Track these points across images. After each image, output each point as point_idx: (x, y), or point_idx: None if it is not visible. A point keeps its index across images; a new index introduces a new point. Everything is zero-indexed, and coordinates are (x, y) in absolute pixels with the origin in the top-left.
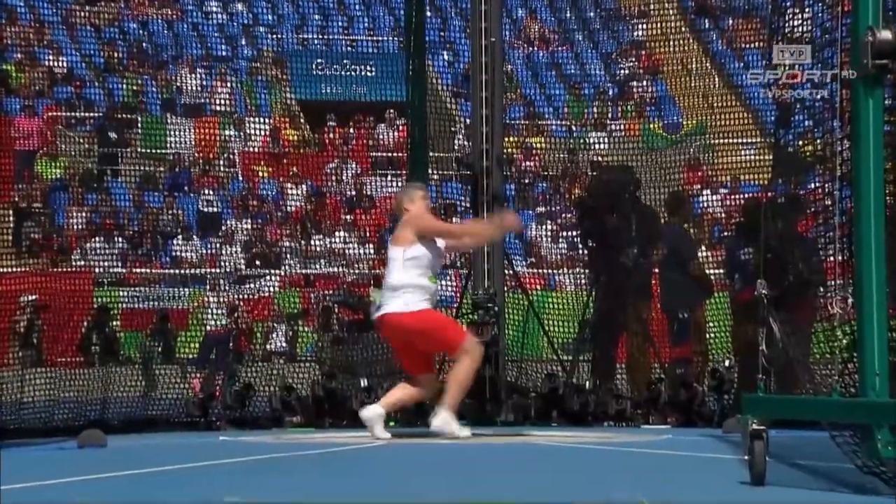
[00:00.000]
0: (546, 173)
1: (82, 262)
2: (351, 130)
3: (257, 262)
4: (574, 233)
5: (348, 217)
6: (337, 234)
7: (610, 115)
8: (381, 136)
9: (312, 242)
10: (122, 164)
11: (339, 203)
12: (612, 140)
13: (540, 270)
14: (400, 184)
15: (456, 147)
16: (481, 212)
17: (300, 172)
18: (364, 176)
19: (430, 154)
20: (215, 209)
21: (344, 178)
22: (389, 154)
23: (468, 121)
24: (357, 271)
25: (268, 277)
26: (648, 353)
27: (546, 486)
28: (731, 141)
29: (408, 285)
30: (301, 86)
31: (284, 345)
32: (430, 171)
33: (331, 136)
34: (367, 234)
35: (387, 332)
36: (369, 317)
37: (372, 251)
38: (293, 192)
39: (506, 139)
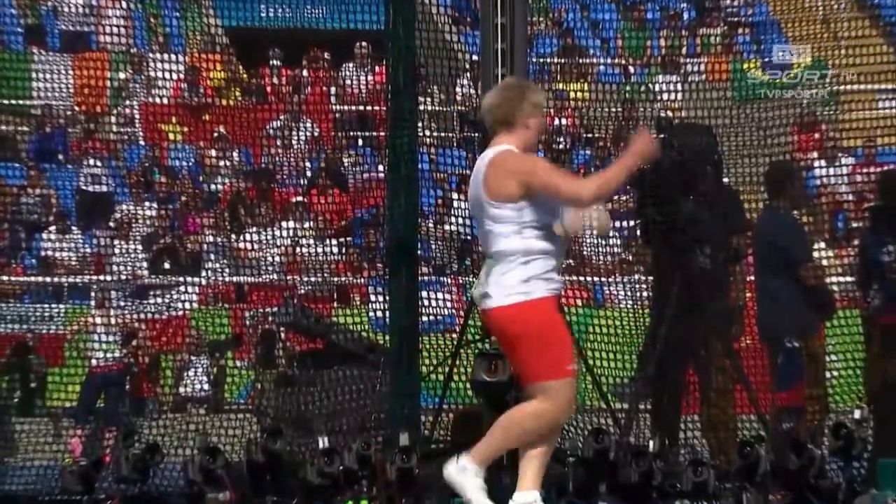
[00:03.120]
0: (590, 136)
1: None
2: (304, 73)
3: (166, 266)
4: (631, 223)
5: (301, 200)
6: (284, 225)
7: (685, 50)
8: (348, 82)
9: (247, 237)
10: None
11: (288, 180)
12: (688, 87)
13: (581, 278)
14: (375, 154)
15: (458, 97)
16: None
17: (229, 135)
18: (324, 140)
19: (422, 108)
20: (104, 188)
21: (294, 143)
22: (361, 108)
23: (476, 58)
24: (314, 279)
25: (182, 288)
26: (740, 400)
27: None
28: (863, 88)
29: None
30: (230, 7)
31: (206, 387)
32: (420, 132)
33: (274, 81)
34: (329, 226)
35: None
36: (333, 345)
37: (335, 250)
38: (219, 164)
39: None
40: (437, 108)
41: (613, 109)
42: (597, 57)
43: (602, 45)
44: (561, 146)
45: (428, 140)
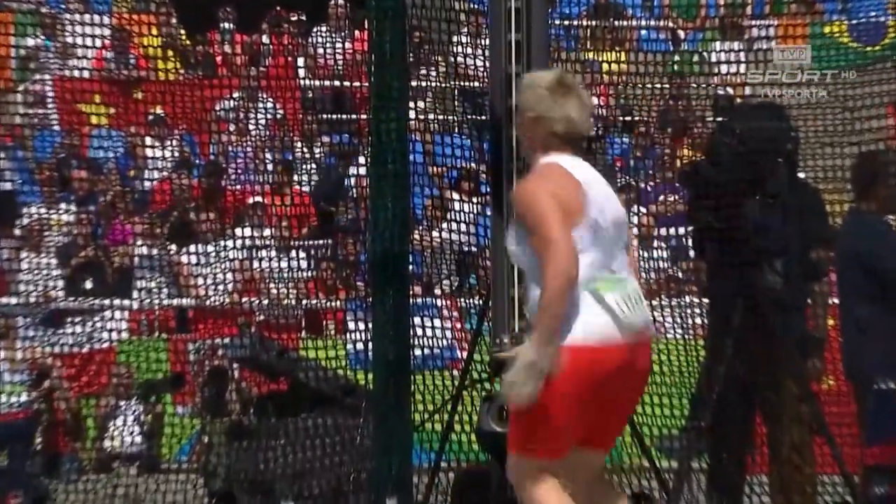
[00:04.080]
0: (628, 119)
1: None
2: (264, 39)
3: (87, 286)
4: (680, 231)
5: (259, 201)
6: (239, 233)
7: (750, 10)
8: (320, 50)
9: (191, 249)
10: None
11: (243, 176)
12: (754, 57)
13: None
14: (355, 141)
15: (459, 70)
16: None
17: (168, 118)
18: (290, 125)
19: (414, 84)
20: (6, 185)
21: (251, 128)
22: (336, 83)
23: (483, 23)
24: (276, 302)
25: (107, 314)
26: (820, 457)
27: None
28: None
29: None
30: None
31: (138, 441)
32: (413, 113)
33: (226, 49)
34: (294, 234)
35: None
36: (300, 386)
37: (304, 265)
38: (154, 155)
39: (554, 55)
40: (431, 85)
41: (658, 86)
42: (637, 18)
43: (644, 3)
44: (591, 134)
45: (420, 126)
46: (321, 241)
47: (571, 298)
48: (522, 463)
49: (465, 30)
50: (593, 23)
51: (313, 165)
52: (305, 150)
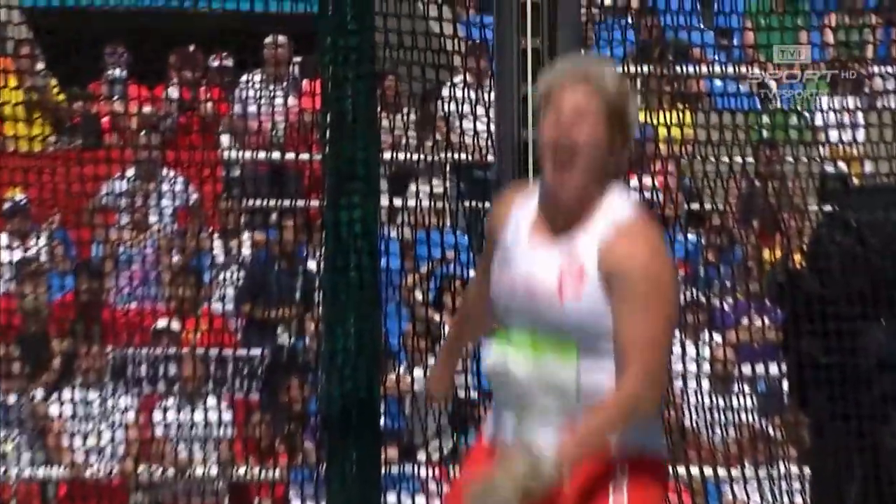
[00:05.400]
0: (696, 207)
1: None
2: (172, 93)
3: None
4: (772, 369)
5: (165, 326)
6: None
7: (872, 52)
8: (252, 108)
9: (62, 396)
10: None
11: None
12: (877, 119)
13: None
14: (305, 237)
15: (452, 134)
16: None
17: (32, 204)
18: (207, 214)
19: (387, 156)
20: None
21: (153, 220)
22: (275, 155)
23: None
24: (189, 472)
25: None
26: None
27: None
28: None
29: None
30: None
31: None
32: (385, 198)
33: (116, 106)
34: (212, 373)
35: None
36: None
37: (226, 417)
38: (12, 259)
39: None
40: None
41: (739, 159)
42: (709, 62)
43: (718, 41)
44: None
45: (398, 214)
46: (252, 381)
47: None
48: None
49: (460, 78)
50: (644, 69)
51: (240, 272)
52: (230, 249)
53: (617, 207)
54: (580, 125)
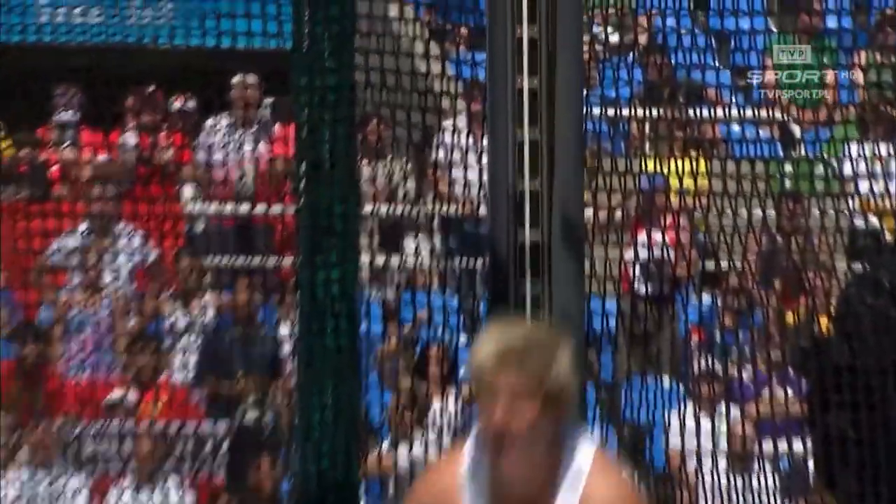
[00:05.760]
0: (711, 266)
1: None
2: (129, 138)
3: None
4: (797, 447)
5: (120, 397)
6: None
7: None
8: (217, 155)
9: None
10: None
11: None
12: None
13: None
14: (278, 299)
15: (440, 186)
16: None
17: None
18: (167, 273)
19: (369, 209)
20: None
21: (108, 280)
22: (243, 208)
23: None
24: None
25: None
26: None
27: None
28: None
29: None
30: None
31: None
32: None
33: (66, 153)
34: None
35: None
36: None
37: (188, 500)
38: None
39: (590, 163)
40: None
41: (760, 212)
42: (725, 104)
43: (735, 82)
44: (648, 290)
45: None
46: (216, 459)
47: None
48: None
49: (450, 122)
50: (653, 112)
51: (202, 338)
52: (191, 313)
53: (578, 473)
54: (516, 412)
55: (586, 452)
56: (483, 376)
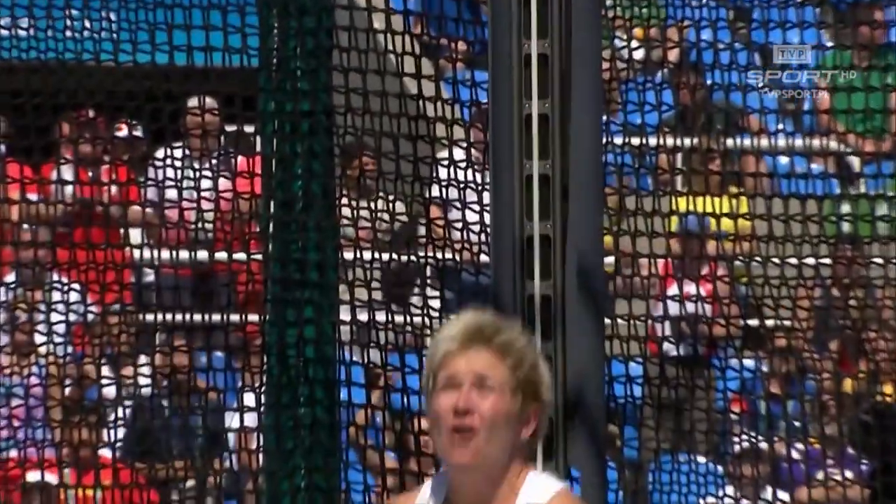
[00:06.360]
0: (755, 324)
1: None
2: (66, 172)
3: None
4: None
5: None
6: None
7: None
8: (170, 192)
9: None
10: None
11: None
12: None
13: None
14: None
15: (435, 227)
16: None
17: None
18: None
19: (349, 256)
20: None
21: (40, 339)
22: (201, 254)
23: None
24: None
25: None
26: None
27: None
28: None
29: None
30: None
31: None
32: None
33: None
34: None
35: None
36: None
37: None
38: None
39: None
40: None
41: (813, 261)
42: (770, 134)
43: (782, 106)
44: (679, 352)
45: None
46: None
47: None
48: None
49: (445, 153)
50: (685, 142)
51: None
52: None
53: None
54: (482, 397)
55: (549, 486)
56: (446, 355)
